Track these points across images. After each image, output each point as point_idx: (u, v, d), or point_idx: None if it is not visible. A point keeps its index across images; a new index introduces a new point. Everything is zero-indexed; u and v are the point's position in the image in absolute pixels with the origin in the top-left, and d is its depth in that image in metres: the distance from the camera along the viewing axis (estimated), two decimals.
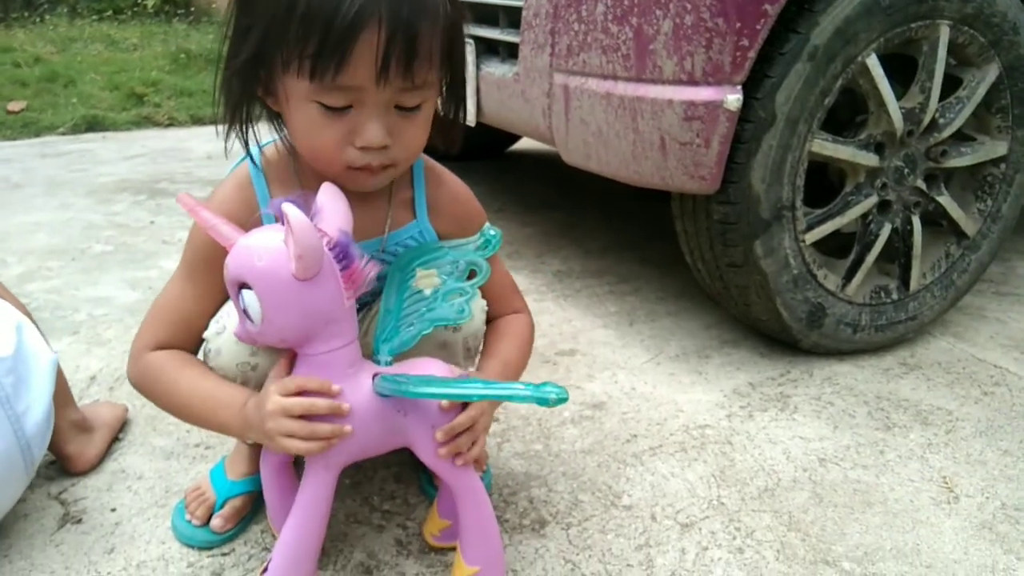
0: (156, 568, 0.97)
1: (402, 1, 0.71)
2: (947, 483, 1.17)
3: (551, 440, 1.27)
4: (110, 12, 7.17)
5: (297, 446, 0.76)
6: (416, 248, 0.91)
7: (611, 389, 1.42)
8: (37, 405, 0.98)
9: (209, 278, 0.86)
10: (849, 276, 1.49)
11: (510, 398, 0.76)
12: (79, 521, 1.05)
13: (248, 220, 0.86)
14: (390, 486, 1.13)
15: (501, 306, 1.01)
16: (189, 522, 1.00)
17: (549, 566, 0.99)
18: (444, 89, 0.85)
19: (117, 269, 1.93)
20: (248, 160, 0.88)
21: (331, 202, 0.78)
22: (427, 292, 0.87)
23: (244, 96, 0.81)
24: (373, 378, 0.80)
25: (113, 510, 1.07)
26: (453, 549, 0.94)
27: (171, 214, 2.39)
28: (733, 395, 1.42)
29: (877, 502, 1.13)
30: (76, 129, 3.56)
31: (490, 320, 1.01)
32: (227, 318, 0.88)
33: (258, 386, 0.85)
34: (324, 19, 0.70)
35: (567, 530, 1.06)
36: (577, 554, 1.01)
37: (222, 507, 1.01)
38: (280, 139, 0.87)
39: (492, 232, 0.93)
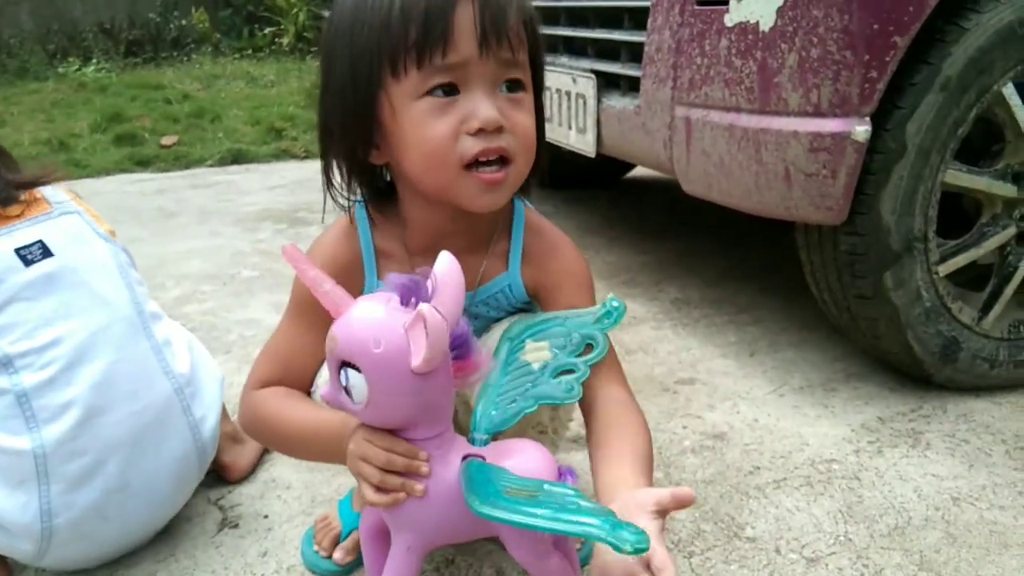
0: (304, 573, 1.05)
1: None
2: None
3: (671, 469, 1.29)
4: (249, 50, 7.69)
5: (367, 493, 0.76)
6: (529, 317, 0.85)
7: (732, 419, 1.43)
8: (210, 414, 1.09)
9: (313, 319, 0.87)
10: (986, 309, 1.44)
11: (582, 534, 0.64)
12: (236, 526, 1.15)
13: (352, 265, 0.90)
14: None
15: (600, 377, 0.89)
16: (316, 552, 1.05)
17: None
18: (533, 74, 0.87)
19: (264, 293, 2.09)
20: (359, 217, 0.91)
21: (450, 278, 0.72)
22: (535, 366, 0.80)
23: (353, 155, 0.85)
24: (463, 460, 0.76)
25: (265, 516, 1.17)
26: None
27: (310, 241, 2.53)
28: (861, 430, 1.39)
29: (1015, 544, 1.09)
30: (222, 161, 3.84)
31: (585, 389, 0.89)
32: None
33: None
34: (421, 7, 0.77)
35: (690, 559, 1.08)
36: None
37: (346, 538, 1.05)
38: (378, 202, 0.91)
39: (616, 303, 0.84)
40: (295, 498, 1.21)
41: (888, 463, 1.29)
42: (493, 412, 0.78)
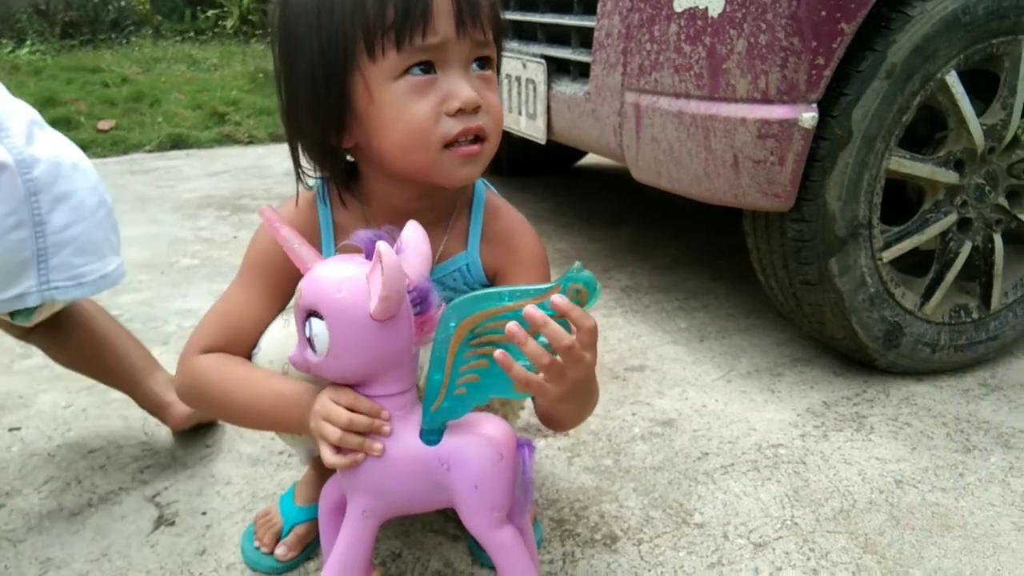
0: (244, 571, 1.02)
1: None
2: None
3: (621, 456, 1.28)
4: (192, 33, 7.48)
5: (325, 454, 0.77)
6: (479, 294, 0.75)
7: (681, 406, 1.43)
8: (78, 226, 1.02)
9: (265, 285, 0.89)
10: (928, 295, 1.46)
11: (543, 290, 0.70)
12: (172, 523, 1.11)
13: (310, 239, 0.87)
14: None
15: None
16: (257, 548, 1.02)
17: None
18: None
19: (204, 282, 2.02)
20: (319, 189, 0.90)
21: (415, 241, 0.77)
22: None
23: (322, 140, 0.83)
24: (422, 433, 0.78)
25: (204, 513, 1.13)
26: None
27: (253, 229, 2.47)
28: (807, 414, 1.40)
29: (956, 526, 1.11)
30: (162, 147, 3.72)
31: None
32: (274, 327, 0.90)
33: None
34: None
35: (639, 546, 1.07)
36: (649, 570, 1.02)
37: (288, 534, 1.03)
38: (341, 179, 0.89)
39: (583, 274, 0.71)
40: (235, 494, 1.17)
41: (833, 447, 1.30)
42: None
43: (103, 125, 3.95)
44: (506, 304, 0.71)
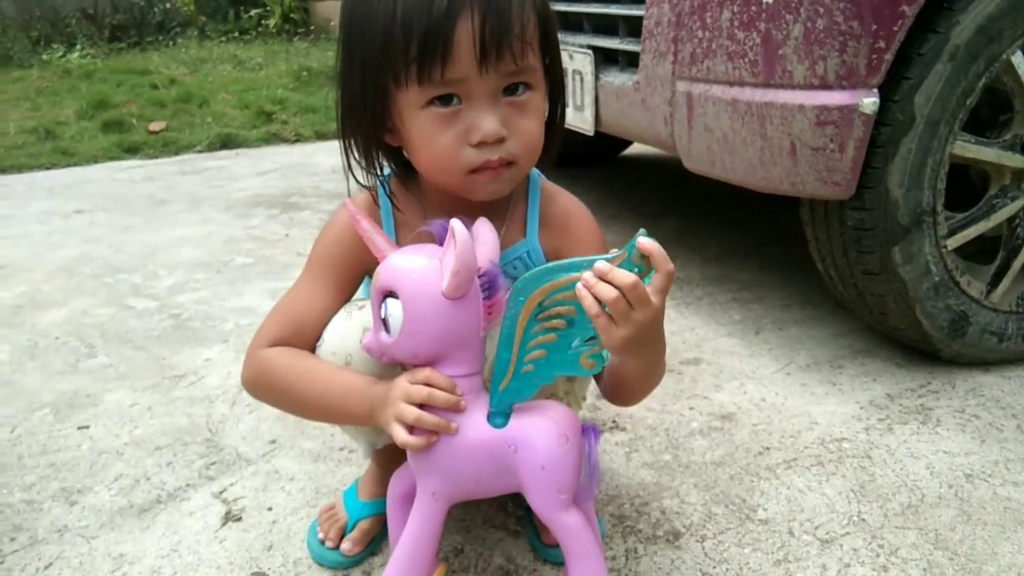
0: (311, 566, 1.03)
1: None
2: None
3: (680, 451, 1.27)
4: (236, 33, 7.60)
5: (400, 436, 0.78)
6: (547, 267, 0.76)
7: (740, 400, 1.41)
8: None
9: (330, 279, 0.92)
10: (995, 283, 1.42)
11: (609, 258, 0.72)
12: (239, 519, 1.13)
13: (362, 268, 0.92)
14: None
15: None
16: (322, 543, 1.04)
17: None
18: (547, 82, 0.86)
19: (258, 280, 2.05)
20: (380, 188, 0.92)
21: (486, 233, 0.81)
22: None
23: (370, 128, 0.84)
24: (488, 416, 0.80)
25: (269, 509, 1.15)
26: None
27: (303, 227, 2.51)
28: (870, 407, 1.37)
29: None
30: (212, 147, 3.79)
31: None
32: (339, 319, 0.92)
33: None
34: (420, 20, 0.75)
35: (702, 543, 1.06)
36: (714, 567, 1.01)
37: (352, 529, 1.04)
38: (400, 173, 0.91)
39: (647, 239, 0.72)
40: (299, 489, 1.19)
41: (899, 440, 1.27)
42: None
43: (154, 127, 4.03)
44: (573, 275, 0.73)
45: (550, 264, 0.75)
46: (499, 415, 0.80)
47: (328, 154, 3.62)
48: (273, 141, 3.94)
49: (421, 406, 0.78)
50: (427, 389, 0.78)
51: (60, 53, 6.26)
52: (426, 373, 0.79)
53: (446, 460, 0.80)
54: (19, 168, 3.47)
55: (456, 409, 0.79)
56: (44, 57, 6.19)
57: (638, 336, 0.73)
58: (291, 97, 4.63)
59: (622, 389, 0.90)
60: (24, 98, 4.85)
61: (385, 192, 0.92)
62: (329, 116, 4.24)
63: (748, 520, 1.10)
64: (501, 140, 0.80)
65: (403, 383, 0.79)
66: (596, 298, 0.72)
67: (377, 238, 0.81)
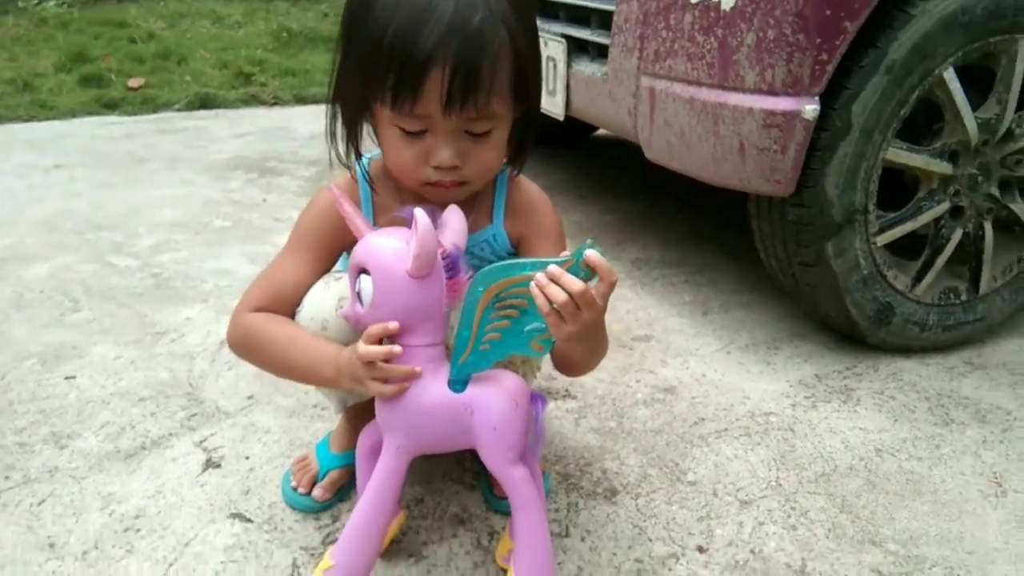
0: (284, 509, 1.14)
1: (467, 45, 0.83)
2: (997, 478, 1.25)
3: (624, 419, 1.39)
4: None
5: (374, 388, 0.88)
6: (504, 264, 0.86)
7: (682, 375, 1.54)
8: None
9: (311, 254, 1.00)
10: (919, 277, 1.55)
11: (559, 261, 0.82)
12: (218, 466, 1.24)
13: (343, 243, 1.01)
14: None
15: None
16: (295, 490, 1.15)
17: (619, 530, 1.12)
18: (519, 116, 0.95)
19: (236, 244, 2.14)
20: (358, 170, 1.01)
21: (454, 220, 0.91)
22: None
23: (352, 121, 0.95)
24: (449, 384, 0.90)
25: (247, 458, 1.25)
26: None
27: (281, 192, 2.59)
28: (799, 385, 1.51)
29: (927, 492, 1.22)
30: (190, 106, 3.82)
31: None
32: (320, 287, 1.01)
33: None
34: (401, 60, 0.84)
35: (636, 499, 1.19)
36: (644, 521, 1.14)
37: (323, 478, 1.16)
38: (379, 159, 1.01)
39: (589, 242, 0.82)
40: (274, 441, 1.30)
41: (820, 416, 1.41)
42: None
43: (133, 83, 4.05)
44: (527, 273, 0.83)
45: (508, 261, 0.85)
46: (458, 382, 0.90)
47: (306, 120, 3.68)
48: (252, 103, 3.98)
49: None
50: (385, 348, 0.86)
51: (35, 1, 6.16)
52: (377, 328, 0.87)
53: (411, 418, 0.91)
54: None
55: (414, 376, 0.88)
56: (20, 4, 6.08)
57: (583, 331, 0.84)
58: (270, 59, 4.65)
59: (568, 365, 1.01)
60: (0, 47, 4.81)
61: (364, 175, 1.02)
62: (308, 80, 4.31)
63: (678, 481, 1.23)
64: (456, 167, 0.91)
65: (362, 346, 0.87)
66: (547, 297, 0.82)
67: (357, 220, 0.90)
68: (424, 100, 0.85)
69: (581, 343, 0.89)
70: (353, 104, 0.93)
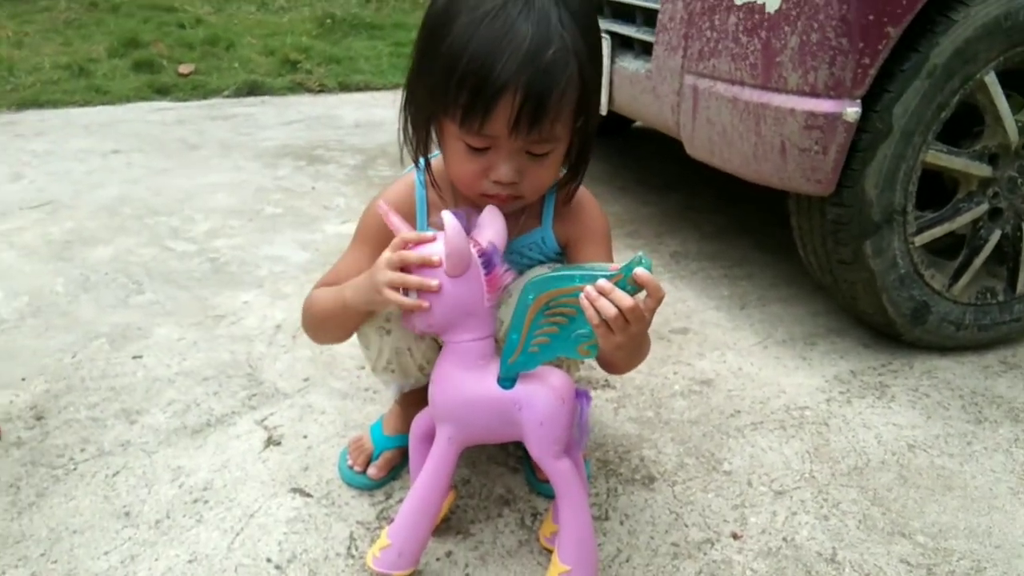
0: (341, 486, 1.22)
1: (539, 78, 0.87)
2: None
3: (662, 409, 1.45)
4: None
5: (391, 296, 0.92)
6: (554, 274, 0.91)
7: (719, 368, 1.58)
8: None
9: (368, 248, 1.06)
10: (956, 277, 1.58)
11: (609, 275, 0.86)
12: (279, 444, 1.31)
13: (407, 214, 1.06)
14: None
15: None
16: (351, 468, 1.23)
17: (656, 515, 1.18)
18: (577, 139, 1.00)
19: (288, 231, 2.22)
20: (417, 174, 1.08)
21: (491, 219, 0.96)
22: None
23: (420, 124, 1.01)
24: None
25: (305, 437, 1.33)
26: None
27: (329, 180, 2.67)
28: (834, 381, 1.55)
29: (958, 487, 1.26)
30: (239, 92, 3.92)
31: None
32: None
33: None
34: (474, 84, 0.88)
35: (672, 487, 1.24)
36: (680, 507, 1.20)
37: (377, 457, 1.23)
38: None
39: (644, 260, 0.86)
40: (330, 422, 1.37)
41: (855, 412, 1.45)
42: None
43: (183, 69, 4.15)
44: (577, 284, 0.88)
45: (559, 271, 0.90)
46: (507, 379, 0.96)
47: (352, 108, 3.75)
48: (297, 90, 4.06)
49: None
50: (399, 254, 0.92)
51: None
52: (401, 236, 0.93)
53: (462, 412, 0.98)
54: (55, 104, 3.61)
55: (429, 263, 0.91)
56: None
57: (629, 342, 0.89)
58: (315, 45, 4.73)
59: (610, 365, 1.07)
60: (53, 30, 4.95)
61: (423, 175, 1.07)
62: (352, 68, 4.39)
63: (714, 471, 1.28)
64: (514, 183, 0.96)
65: (384, 253, 0.93)
66: (597, 310, 0.86)
67: (404, 229, 0.95)
68: (492, 123, 0.90)
69: (625, 350, 0.94)
70: (422, 114, 0.99)
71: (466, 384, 0.96)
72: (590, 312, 0.86)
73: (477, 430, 0.99)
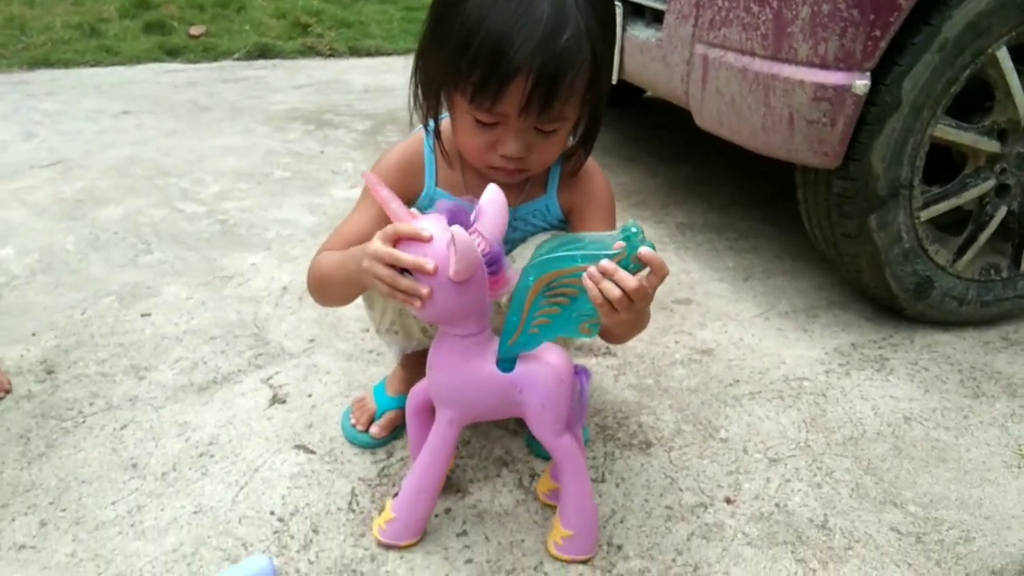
0: (344, 444, 1.24)
1: (553, 61, 0.87)
2: (1021, 450, 1.30)
3: (661, 377, 1.46)
4: None
5: (381, 288, 0.89)
6: (556, 238, 0.93)
7: (720, 338, 1.60)
8: None
9: (373, 209, 1.05)
10: (960, 253, 1.58)
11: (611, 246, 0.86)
12: (284, 402, 1.34)
13: (416, 167, 1.09)
14: None
15: None
16: (354, 427, 1.25)
17: (652, 479, 1.20)
18: (586, 115, 1.00)
19: (297, 194, 2.23)
20: (426, 137, 1.09)
21: (492, 206, 0.91)
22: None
23: (430, 94, 1.01)
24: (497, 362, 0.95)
25: (309, 396, 1.36)
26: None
27: (338, 145, 2.68)
28: (834, 353, 1.56)
29: (951, 459, 1.27)
30: (249, 55, 3.91)
31: None
32: None
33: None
34: (488, 63, 0.88)
35: (669, 452, 1.26)
36: (676, 472, 1.22)
37: (380, 417, 1.25)
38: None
39: (635, 228, 0.86)
40: (334, 382, 1.40)
41: (853, 383, 1.46)
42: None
43: (194, 31, 4.14)
44: (579, 265, 0.87)
45: (560, 254, 0.88)
46: (507, 361, 0.96)
47: (361, 72, 3.74)
48: (308, 54, 4.05)
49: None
50: (394, 252, 0.86)
51: None
52: (394, 227, 0.88)
53: (462, 395, 0.98)
54: (66, 63, 3.62)
55: (424, 270, 0.86)
56: None
57: (633, 319, 0.89)
58: (326, 9, 4.70)
59: (612, 337, 1.08)
60: None
61: (431, 137, 1.08)
62: (363, 32, 4.36)
63: (711, 438, 1.30)
64: (521, 158, 0.97)
65: (376, 243, 0.88)
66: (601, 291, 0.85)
67: (395, 206, 0.90)
68: (503, 102, 0.91)
69: (628, 325, 0.95)
70: (433, 84, 0.99)
71: (465, 371, 0.96)
72: (594, 293, 0.86)
73: (478, 411, 1.00)
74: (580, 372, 1.00)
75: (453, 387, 0.98)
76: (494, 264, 0.91)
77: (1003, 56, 1.40)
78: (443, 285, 0.88)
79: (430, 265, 0.86)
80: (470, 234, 0.87)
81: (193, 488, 1.15)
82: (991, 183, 1.53)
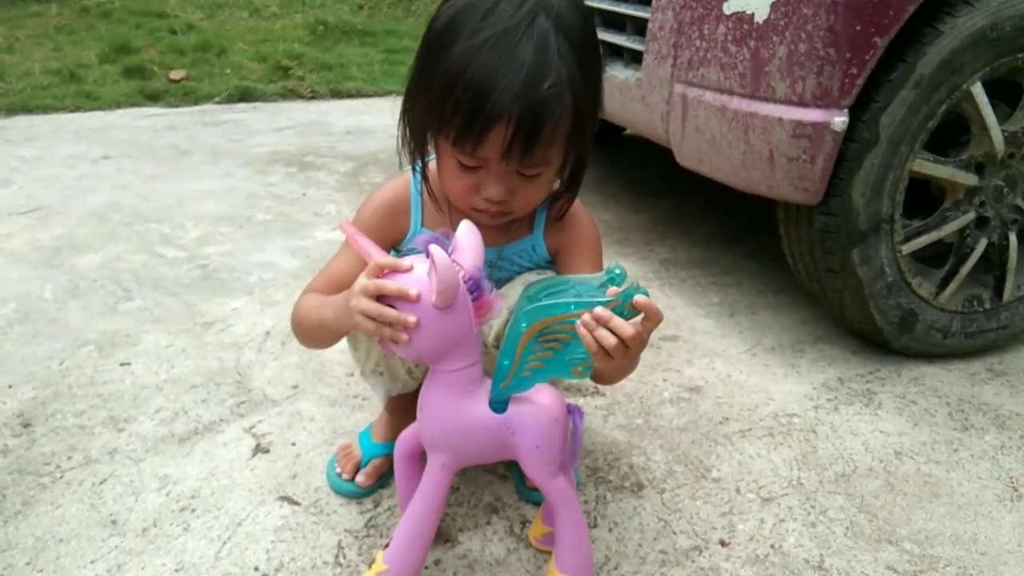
0: (329, 494, 1.22)
1: (533, 110, 0.88)
2: (1013, 483, 1.29)
3: (651, 416, 1.45)
4: None
5: (367, 325, 0.87)
6: (544, 281, 0.94)
7: (708, 375, 1.59)
8: None
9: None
10: (943, 285, 1.59)
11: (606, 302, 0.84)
12: (267, 451, 1.31)
13: (402, 208, 1.09)
14: None
15: None
16: (339, 476, 1.23)
17: (645, 522, 1.18)
18: (571, 159, 1.01)
19: (279, 237, 2.22)
20: (412, 179, 1.09)
21: (468, 238, 0.91)
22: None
23: (416, 136, 1.01)
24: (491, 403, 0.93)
25: (293, 444, 1.33)
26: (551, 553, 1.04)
27: (320, 187, 2.67)
28: (822, 388, 1.55)
29: (944, 494, 1.27)
30: (230, 99, 3.91)
31: None
32: None
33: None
34: (469, 110, 0.89)
35: (661, 494, 1.25)
36: (669, 514, 1.20)
37: (366, 465, 1.23)
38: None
39: (618, 271, 0.89)
40: (319, 429, 1.37)
41: (843, 419, 1.46)
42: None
43: (175, 75, 4.15)
44: (572, 312, 0.86)
45: (553, 301, 0.87)
46: (499, 403, 0.94)
47: (343, 114, 3.75)
48: (289, 97, 4.06)
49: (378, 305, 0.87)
50: (378, 281, 0.86)
51: None
52: (377, 262, 0.87)
53: (454, 439, 0.96)
54: (45, 109, 3.60)
55: (407, 298, 0.85)
56: None
57: (627, 364, 0.90)
58: (307, 52, 4.73)
59: (602, 379, 1.06)
60: (45, 36, 4.94)
61: (418, 178, 1.08)
62: (343, 75, 4.39)
63: (703, 478, 1.28)
64: (504, 201, 0.97)
65: (361, 279, 0.88)
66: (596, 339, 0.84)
67: (370, 249, 0.90)
68: (484, 147, 0.91)
69: (620, 368, 0.94)
70: (419, 126, 0.99)
71: (457, 412, 0.94)
72: (588, 340, 0.84)
73: (470, 454, 0.98)
74: (573, 411, 0.99)
75: (445, 429, 0.95)
76: (476, 290, 0.90)
77: (978, 91, 1.42)
78: (428, 312, 0.86)
79: (413, 291, 0.85)
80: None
81: (174, 544, 1.11)
82: (971, 216, 1.55)
